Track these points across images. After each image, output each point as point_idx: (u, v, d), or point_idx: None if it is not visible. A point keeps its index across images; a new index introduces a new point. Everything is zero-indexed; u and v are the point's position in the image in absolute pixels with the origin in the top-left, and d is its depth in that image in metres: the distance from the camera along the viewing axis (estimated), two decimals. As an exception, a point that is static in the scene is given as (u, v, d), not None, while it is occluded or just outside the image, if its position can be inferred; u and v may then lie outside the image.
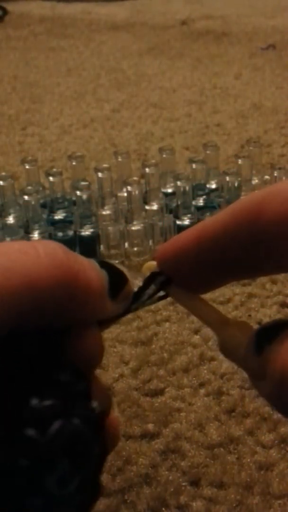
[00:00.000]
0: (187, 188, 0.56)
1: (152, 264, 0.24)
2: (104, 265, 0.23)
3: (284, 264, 0.21)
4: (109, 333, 0.48)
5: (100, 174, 0.58)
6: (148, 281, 0.24)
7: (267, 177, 0.63)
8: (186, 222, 0.55)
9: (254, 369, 0.20)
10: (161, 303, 0.51)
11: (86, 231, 0.54)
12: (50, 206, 0.58)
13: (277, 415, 0.39)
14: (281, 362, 0.18)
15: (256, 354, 0.20)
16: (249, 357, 0.20)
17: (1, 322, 0.19)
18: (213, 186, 0.63)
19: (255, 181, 0.62)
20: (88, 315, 0.22)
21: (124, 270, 0.24)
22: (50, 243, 0.22)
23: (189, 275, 0.23)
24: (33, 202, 0.55)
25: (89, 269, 0.22)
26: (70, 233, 0.54)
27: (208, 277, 0.23)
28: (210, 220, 0.22)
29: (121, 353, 0.45)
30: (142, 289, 0.24)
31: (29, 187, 0.56)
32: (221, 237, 0.21)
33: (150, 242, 0.56)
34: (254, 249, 0.21)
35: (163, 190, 0.61)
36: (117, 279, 0.23)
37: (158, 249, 0.23)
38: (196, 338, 0.47)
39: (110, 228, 0.56)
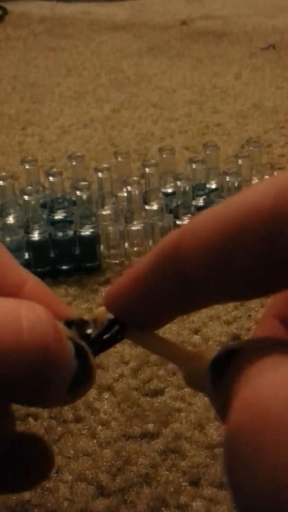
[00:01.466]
0: (187, 188, 0.56)
1: (103, 310, 0.24)
2: (79, 351, 0.22)
3: (218, 296, 0.20)
4: (109, 333, 0.48)
5: (100, 174, 0.58)
6: (103, 331, 0.24)
7: (267, 177, 0.63)
8: (186, 222, 0.55)
9: (216, 404, 0.19)
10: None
11: (86, 231, 0.54)
12: (50, 206, 0.58)
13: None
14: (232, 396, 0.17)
15: (211, 390, 0.19)
16: (207, 392, 0.19)
17: None
18: (213, 186, 0.63)
19: (255, 181, 0.62)
20: (39, 399, 0.21)
21: (93, 363, 0.23)
22: (35, 310, 0.20)
23: (138, 315, 0.22)
24: (33, 202, 0.55)
25: (65, 357, 0.20)
26: (70, 233, 0.54)
27: (155, 315, 0.22)
28: (142, 261, 0.21)
29: (121, 353, 0.45)
30: (97, 337, 0.24)
31: (29, 187, 0.56)
32: (151, 278, 0.21)
33: (150, 242, 0.56)
34: (183, 286, 0.20)
35: (163, 190, 0.61)
36: (84, 376, 0.22)
37: (105, 295, 0.23)
38: (196, 338, 0.47)
39: (110, 228, 0.56)
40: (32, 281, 0.24)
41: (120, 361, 0.45)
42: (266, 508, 0.14)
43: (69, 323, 0.24)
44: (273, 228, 0.17)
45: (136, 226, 0.56)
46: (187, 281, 0.20)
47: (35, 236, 0.54)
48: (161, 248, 0.20)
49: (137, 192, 0.55)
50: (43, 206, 0.59)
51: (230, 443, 0.16)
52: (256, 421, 0.15)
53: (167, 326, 0.48)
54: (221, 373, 0.19)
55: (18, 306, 0.19)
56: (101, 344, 0.24)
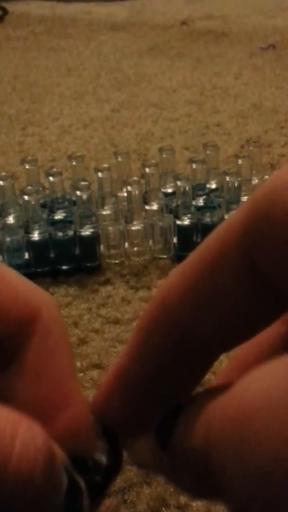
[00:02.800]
0: (187, 188, 0.56)
1: None
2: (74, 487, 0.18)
3: (218, 342, 0.18)
4: (109, 333, 0.48)
5: (100, 174, 0.58)
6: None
7: (267, 177, 0.63)
8: (186, 222, 0.55)
9: (168, 467, 0.18)
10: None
11: (86, 231, 0.54)
12: (50, 206, 0.58)
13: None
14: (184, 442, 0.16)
15: (161, 450, 0.18)
16: (157, 456, 0.18)
17: None
18: (213, 186, 0.63)
19: (255, 181, 0.62)
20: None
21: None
22: (33, 432, 0.17)
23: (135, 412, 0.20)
24: (33, 202, 0.55)
25: (51, 494, 0.17)
26: (70, 233, 0.54)
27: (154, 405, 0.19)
28: (121, 353, 0.20)
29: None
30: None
31: (29, 187, 0.56)
32: (140, 358, 0.19)
33: (150, 242, 0.56)
34: (179, 344, 0.18)
35: (163, 190, 0.61)
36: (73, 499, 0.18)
37: (92, 405, 0.20)
38: (196, 338, 0.47)
39: (110, 228, 0.56)
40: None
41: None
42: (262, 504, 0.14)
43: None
44: (247, 242, 0.16)
45: (136, 226, 0.56)
46: (183, 334, 0.18)
47: (35, 236, 0.54)
48: (146, 317, 0.18)
49: (137, 192, 0.55)
50: (43, 206, 0.59)
51: (216, 452, 0.15)
52: (241, 422, 0.14)
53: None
54: (165, 436, 0.18)
55: (18, 423, 0.17)
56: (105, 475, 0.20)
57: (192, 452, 0.16)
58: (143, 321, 0.18)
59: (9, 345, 0.19)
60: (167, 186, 0.63)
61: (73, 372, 0.20)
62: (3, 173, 0.60)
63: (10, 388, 0.19)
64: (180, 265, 0.18)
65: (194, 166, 0.61)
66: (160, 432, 0.18)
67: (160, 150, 0.64)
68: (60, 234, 0.54)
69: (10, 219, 0.56)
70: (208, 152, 0.64)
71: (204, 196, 0.60)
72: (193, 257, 0.18)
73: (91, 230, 0.54)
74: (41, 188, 0.61)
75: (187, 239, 0.56)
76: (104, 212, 0.57)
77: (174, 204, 0.58)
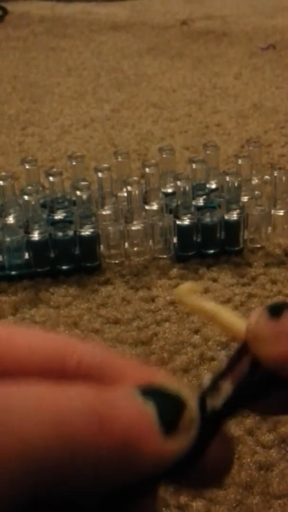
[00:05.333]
0: (187, 188, 0.56)
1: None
2: (149, 392, 0.18)
3: None
4: (109, 333, 0.48)
5: (100, 174, 0.58)
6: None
7: (267, 177, 0.63)
8: (186, 222, 0.55)
9: (267, 333, 0.19)
10: (161, 303, 0.51)
11: (86, 231, 0.54)
12: (50, 206, 0.58)
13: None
14: None
15: (272, 318, 0.19)
16: (262, 325, 0.19)
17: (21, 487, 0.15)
18: (213, 186, 0.63)
19: (255, 181, 0.62)
20: (140, 469, 0.17)
21: (183, 392, 0.18)
22: (81, 389, 0.17)
23: None
24: (33, 202, 0.55)
25: (126, 412, 0.17)
26: (70, 233, 0.54)
27: None
28: None
29: (121, 353, 0.45)
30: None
31: (29, 187, 0.56)
32: None
33: (150, 242, 0.56)
34: None
35: (163, 190, 0.61)
36: (170, 407, 0.18)
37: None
38: (196, 338, 0.47)
39: (110, 228, 0.56)
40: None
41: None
42: None
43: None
44: None
45: (136, 226, 0.56)
46: None
47: (35, 236, 0.54)
48: None
49: (137, 192, 0.55)
50: (43, 206, 0.59)
51: None
52: None
53: (167, 326, 0.48)
54: (280, 310, 0.19)
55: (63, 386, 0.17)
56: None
57: None
58: None
59: None
60: (167, 186, 0.63)
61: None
62: (3, 173, 0.60)
63: None
64: None
65: (194, 166, 0.61)
66: (273, 308, 0.19)
67: (160, 150, 0.64)
68: (60, 234, 0.54)
69: (10, 219, 0.56)
70: (208, 152, 0.64)
71: (204, 196, 0.60)
72: None
73: (91, 230, 0.54)
74: (41, 188, 0.61)
75: (187, 239, 0.56)
76: (104, 212, 0.57)
77: (174, 204, 0.58)
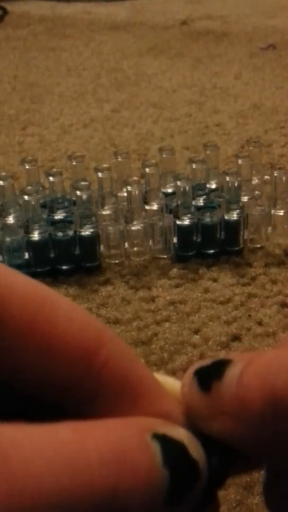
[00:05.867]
0: (187, 188, 0.56)
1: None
2: (170, 450, 0.16)
3: None
4: (109, 333, 0.48)
5: (100, 174, 0.58)
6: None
7: (267, 177, 0.63)
8: (186, 222, 0.55)
9: (201, 409, 0.18)
10: (161, 303, 0.51)
11: (86, 231, 0.54)
12: (50, 206, 0.58)
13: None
14: (248, 389, 0.16)
15: (203, 391, 0.18)
16: (194, 398, 0.18)
17: None
18: (213, 186, 0.63)
19: (255, 181, 0.62)
20: None
21: (201, 457, 0.16)
22: (104, 446, 0.15)
23: None
24: (33, 202, 0.55)
25: (143, 479, 0.15)
26: (70, 233, 0.54)
27: None
28: None
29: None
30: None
31: (29, 187, 0.56)
32: None
33: (150, 242, 0.56)
34: None
35: (163, 190, 0.61)
36: (186, 477, 0.16)
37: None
38: (196, 338, 0.47)
39: (110, 228, 0.56)
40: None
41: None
42: None
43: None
44: None
45: (136, 226, 0.56)
46: None
47: (35, 236, 0.54)
48: None
49: (137, 192, 0.55)
50: (43, 206, 0.59)
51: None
52: None
53: (167, 326, 0.48)
54: (209, 379, 0.18)
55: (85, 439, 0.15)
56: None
57: (246, 403, 0.16)
58: None
59: (87, 380, 0.18)
60: (167, 186, 0.63)
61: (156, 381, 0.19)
62: (3, 173, 0.60)
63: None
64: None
65: (194, 166, 0.61)
66: (201, 377, 0.18)
67: (160, 150, 0.64)
68: (60, 234, 0.54)
69: (10, 219, 0.56)
70: (208, 152, 0.64)
71: (204, 196, 0.60)
72: None
73: (91, 230, 0.54)
74: (41, 188, 0.61)
75: (187, 239, 0.56)
76: (104, 212, 0.57)
77: (174, 204, 0.58)
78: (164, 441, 0.16)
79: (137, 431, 0.16)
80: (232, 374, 0.17)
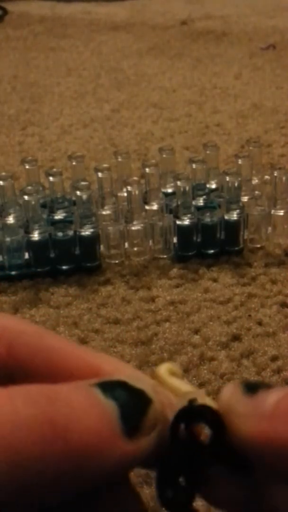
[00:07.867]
0: (187, 188, 0.56)
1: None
2: (111, 387, 0.17)
3: None
4: (109, 333, 0.48)
5: (100, 174, 0.58)
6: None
7: (267, 177, 0.63)
8: (186, 222, 0.55)
9: (242, 412, 0.18)
10: (161, 303, 0.51)
11: (86, 231, 0.54)
12: (50, 206, 0.58)
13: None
14: None
15: (248, 394, 0.18)
16: (238, 401, 0.18)
17: None
18: (213, 186, 0.63)
19: (255, 181, 0.62)
20: (102, 472, 0.16)
21: (145, 383, 0.17)
22: (30, 393, 0.16)
23: None
24: (33, 202, 0.55)
25: (84, 416, 0.16)
26: (70, 233, 0.54)
27: None
28: None
29: (121, 353, 0.45)
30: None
31: (29, 187, 0.56)
32: None
33: (150, 242, 0.56)
34: None
35: (163, 190, 0.61)
36: (133, 405, 0.17)
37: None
38: (196, 338, 0.47)
39: (110, 228, 0.56)
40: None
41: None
42: None
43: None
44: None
45: (136, 226, 0.56)
46: None
47: (35, 236, 0.54)
48: None
49: (137, 192, 0.55)
50: (43, 206, 0.59)
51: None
52: None
53: (167, 326, 0.48)
54: (254, 388, 0.18)
55: (10, 391, 0.16)
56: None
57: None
58: None
59: None
60: (167, 186, 0.63)
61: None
62: (3, 173, 0.60)
63: None
64: None
65: (194, 166, 0.61)
66: (247, 386, 0.18)
67: (160, 150, 0.64)
68: (60, 234, 0.54)
69: (10, 219, 0.56)
70: (208, 152, 0.64)
71: (204, 196, 0.60)
72: None
73: (91, 230, 0.54)
74: (41, 188, 0.61)
75: (187, 239, 0.56)
76: (104, 212, 0.57)
77: (174, 204, 0.58)
78: (103, 383, 0.17)
79: (75, 384, 0.17)
80: (277, 394, 0.18)
